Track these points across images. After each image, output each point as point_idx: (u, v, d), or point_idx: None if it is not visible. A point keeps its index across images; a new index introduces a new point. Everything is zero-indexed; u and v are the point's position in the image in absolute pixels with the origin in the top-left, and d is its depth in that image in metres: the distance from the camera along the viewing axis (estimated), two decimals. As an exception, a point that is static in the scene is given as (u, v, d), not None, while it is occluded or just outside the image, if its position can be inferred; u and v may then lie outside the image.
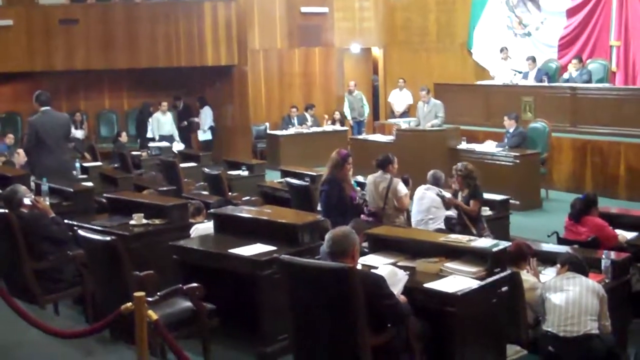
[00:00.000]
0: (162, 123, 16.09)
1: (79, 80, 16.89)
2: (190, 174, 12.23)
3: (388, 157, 8.79)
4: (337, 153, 8.42)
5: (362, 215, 8.50)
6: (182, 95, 17.58)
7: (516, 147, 12.05)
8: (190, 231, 6.95)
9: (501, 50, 15.74)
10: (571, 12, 15.50)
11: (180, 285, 5.38)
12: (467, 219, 8.40)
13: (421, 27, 18.38)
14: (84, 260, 6.00)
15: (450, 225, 8.62)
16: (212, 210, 6.97)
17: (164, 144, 15.39)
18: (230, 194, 10.50)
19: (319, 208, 8.66)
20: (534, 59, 14.74)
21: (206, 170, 11.84)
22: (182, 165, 12.41)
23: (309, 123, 16.69)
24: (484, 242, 5.45)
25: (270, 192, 10.95)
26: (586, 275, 5.67)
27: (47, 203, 7.28)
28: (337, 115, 17.03)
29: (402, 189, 8.56)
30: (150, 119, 16.25)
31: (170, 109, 16.54)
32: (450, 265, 5.18)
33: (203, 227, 6.93)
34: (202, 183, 11.57)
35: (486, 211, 8.88)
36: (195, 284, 5.34)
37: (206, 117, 17.10)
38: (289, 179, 10.64)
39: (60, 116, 10.27)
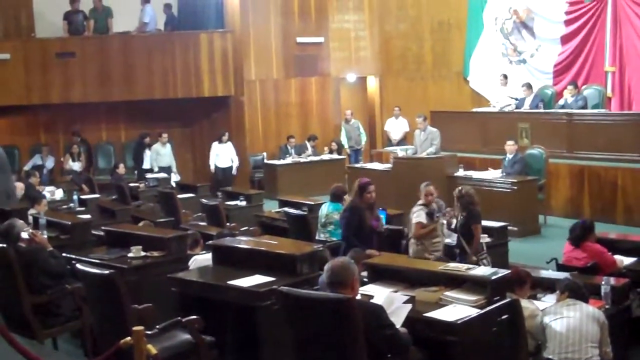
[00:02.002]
0: (162, 155, 16.09)
1: (76, 112, 16.90)
2: (188, 205, 12.20)
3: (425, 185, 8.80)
4: (358, 181, 8.43)
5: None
6: (179, 127, 17.64)
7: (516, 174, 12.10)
8: (189, 263, 6.93)
9: (503, 77, 15.74)
10: (566, 39, 15.60)
11: (179, 317, 5.35)
12: (464, 242, 8.40)
13: (417, 55, 18.49)
14: (82, 294, 5.99)
15: (450, 250, 8.62)
16: (210, 242, 6.96)
17: (162, 175, 15.40)
18: (228, 224, 10.49)
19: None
20: (529, 86, 14.77)
21: (204, 201, 11.84)
22: (180, 196, 12.39)
23: (309, 152, 16.70)
24: (483, 271, 5.44)
25: (269, 222, 10.93)
26: (586, 301, 5.66)
27: (45, 236, 7.28)
28: (333, 145, 17.06)
29: (416, 217, 8.49)
30: (145, 151, 16.27)
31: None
32: (450, 294, 5.16)
33: (202, 259, 6.91)
34: (199, 214, 11.56)
35: (484, 238, 8.87)
36: (194, 317, 5.32)
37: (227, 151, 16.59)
38: (286, 209, 10.64)
39: None
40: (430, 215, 8.55)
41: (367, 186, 8.26)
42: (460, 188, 8.72)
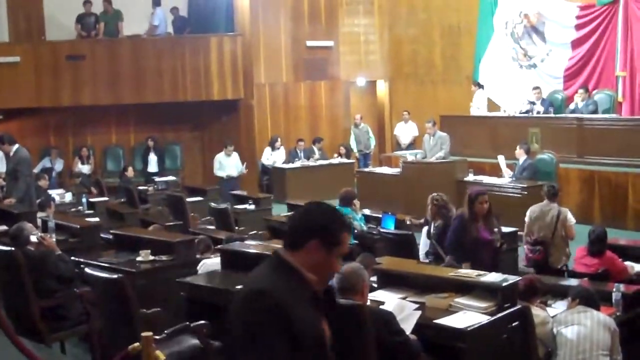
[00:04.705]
0: (224, 165, 15.91)
1: (86, 115, 16.92)
2: (196, 208, 12.17)
3: (555, 187, 8.96)
4: (468, 191, 8.24)
5: (525, 247, 8.71)
6: (188, 131, 17.68)
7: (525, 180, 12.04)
8: (198, 267, 6.91)
9: (476, 85, 16.36)
10: (576, 44, 15.52)
11: (188, 322, 5.33)
12: (440, 248, 8.38)
13: (427, 59, 18.46)
14: (90, 298, 5.97)
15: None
16: (219, 246, 6.94)
17: (171, 178, 15.41)
18: (236, 228, 10.47)
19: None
20: (540, 89, 14.78)
21: (213, 204, 11.82)
22: (189, 199, 12.38)
23: (317, 156, 16.66)
24: (494, 277, 5.40)
25: (277, 226, 10.87)
26: (598, 308, 5.61)
27: (54, 240, 7.27)
28: (342, 149, 17.01)
29: (572, 218, 8.63)
30: (150, 154, 16.33)
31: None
32: (460, 300, 5.14)
33: (211, 263, 6.89)
34: (208, 217, 11.54)
35: (495, 244, 8.87)
36: (202, 322, 5.29)
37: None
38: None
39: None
40: None
41: (478, 196, 7.85)
42: (436, 195, 8.65)
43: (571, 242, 8.63)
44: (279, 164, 16.28)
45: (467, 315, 4.92)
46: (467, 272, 5.59)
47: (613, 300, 6.08)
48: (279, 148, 16.47)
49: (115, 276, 5.25)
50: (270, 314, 2.81)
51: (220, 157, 15.94)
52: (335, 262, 3.05)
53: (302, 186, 15.30)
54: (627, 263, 7.44)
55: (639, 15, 14.37)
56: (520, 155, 12.30)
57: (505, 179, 12.26)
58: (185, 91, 16.58)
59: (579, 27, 15.47)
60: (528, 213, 8.90)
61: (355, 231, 9.32)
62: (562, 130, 13.53)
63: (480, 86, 16.37)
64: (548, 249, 8.48)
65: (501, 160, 12.69)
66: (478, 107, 16.03)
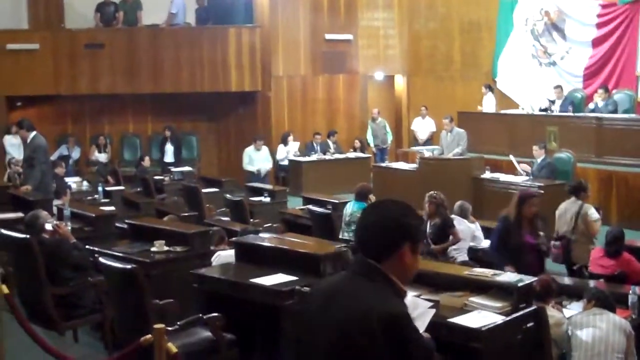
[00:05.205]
0: (253, 159, 15.97)
1: (104, 104, 16.97)
2: (212, 199, 12.17)
3: (582, 184, 8.94)
4: (519, 192, 8.17)
5: (551, 242, 8.51)
6: (205, 121, 17.69)
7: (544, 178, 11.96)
8: (213, 258, 6.89)
9: (486, 88, 16.22)
10: (597, 42, 15.42)
11: (201, 314, 5.32)
12: (433, 246, 8.37)
13: (446, 55, 18.36)
14: (104, 287, 5.97)
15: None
16: (233, 239, 6.91)
17: (187, 168, 15.42)
18: (251, 220, 10.45)
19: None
20: (561, 88, 14.67)
21: (228, 196, 11.81)
22: (204, 190, 12.38)
23: (332, 150, 16.61)
24: (510, 277, 5.36)
25: (292, 219, 10.87)
26: (613, 311, 5.57)
27: (69, 228, 7.28)
28: (357, 143, 16.96)
29: (593, 214, 8.53)
30: (167, 144, 16.35)
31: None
32: (475, 299, 5.08)
33: (225, 255, 6.86)
34: (223, 209, 11.53)
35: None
36: (215, 314, 5.28)
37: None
38: (311, 206, 10.57)
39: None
40: None
41: (528, 198, 7.72)
42: (434, 193, 8.60)
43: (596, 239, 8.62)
44: (292, 156, 16.26)
45: (482, 315, 4.88)
46: (482, 271, 5.55)
47: (629, 303, 6.03)
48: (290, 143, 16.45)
49: (129, 266, 5.26)
50: (416, 335, 2.74)
51: (249, 151, 15.95)
52: (418, 261, 2.83)
53: (318, 179, 15.28)
54: (644, 265, 7.38)
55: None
56: (539, 154, 12.19)
57: (522, 177, 12.16)
58: (203, 82, 16.57)
59: (599, 25, 15.38)
60: (557, 210, 8.91)
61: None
62: (581, 130, 13.44)
63: (491, 89, 16.24)
64: (569, 245, 8.44)
65: (513, 159, 12.61)
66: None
